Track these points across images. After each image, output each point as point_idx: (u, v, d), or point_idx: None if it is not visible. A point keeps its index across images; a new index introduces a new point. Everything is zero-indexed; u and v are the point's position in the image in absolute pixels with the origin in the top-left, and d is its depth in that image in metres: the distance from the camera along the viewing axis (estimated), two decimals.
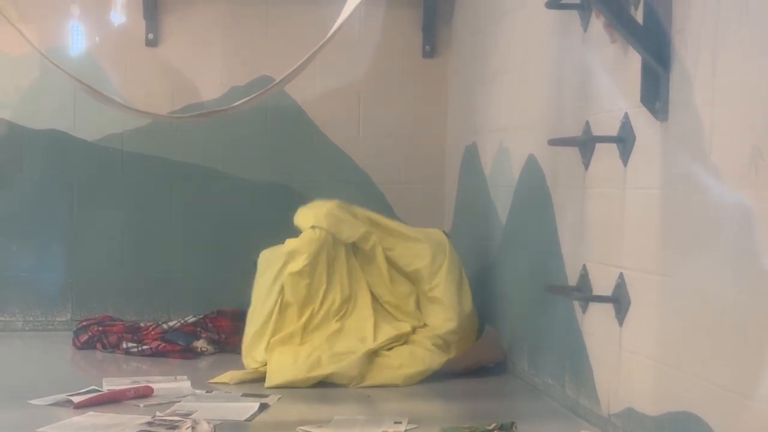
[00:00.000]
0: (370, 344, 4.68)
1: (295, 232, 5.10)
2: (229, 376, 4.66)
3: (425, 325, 4.86)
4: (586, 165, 3.96)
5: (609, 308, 3.70)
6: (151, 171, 6.10)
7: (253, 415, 3.99)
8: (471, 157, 5.67)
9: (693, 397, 3.08)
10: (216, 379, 4.63)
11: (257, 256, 6.00)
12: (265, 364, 4.70)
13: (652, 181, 3.40)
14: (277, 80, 4.57)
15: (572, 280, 4.06)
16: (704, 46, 3.05)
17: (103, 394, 4.22)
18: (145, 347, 5.35)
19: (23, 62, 5.90)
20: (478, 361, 4.83)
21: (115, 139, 6.08)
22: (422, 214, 6.27)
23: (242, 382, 4.62)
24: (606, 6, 3.44)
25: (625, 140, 3.60)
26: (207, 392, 4.39)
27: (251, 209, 6.17)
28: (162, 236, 6.11)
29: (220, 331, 5.47)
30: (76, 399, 4.11)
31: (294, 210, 6.11)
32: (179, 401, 4.16)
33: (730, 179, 2.89)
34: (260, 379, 4.63)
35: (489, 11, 5.37)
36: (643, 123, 3.46)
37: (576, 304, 4.04)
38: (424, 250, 4.94)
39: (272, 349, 4.77)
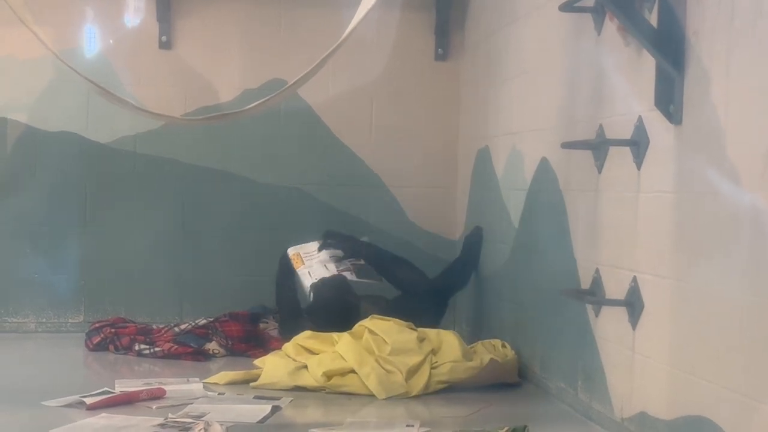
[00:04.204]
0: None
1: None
2: (220, 376, 4.67)
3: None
4: (600, 168, 3.95)
5: (622, 312, 3.69)
6: (163, 173, 6.11)
7: (266, 417, 3.99)
8: (483, 161, 5.66)
9: (707, 401, 3.07)
10: (209, 379, 4.64)
11: (267, 258, 6.00)
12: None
13: (666, 185, 3.39)
14: (291, 83, 4.56)
15: (585, 283, 4.05)
16: (719, 48, 3.04)
17: (115, 396, 4.22)
18: (157, 349, 5.36)
19: (36, 65, 5.91)
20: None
21: (128, 142, 6.09)
22: (434, 217, 6.27)
23: (232, 383, 4.61)
24: (620, 9, 3.43)
25: (638, 143, 3.59)
26: (219, 394, 4.39)
27: (263, 211, 6.17)
28: (174, 238, 6.12)
29: (228, 336, 5.46)
30: (89, 400, 4.11)
31: (306, 212, 6.15)
32: (191, 403, 4.16)
33: (745, 183, 2.88)
34: (250, 380, 4.63)
35: (502, 14, 5.36)
36: (657, 126, 3.45)
37: (589, 307, 4.03)
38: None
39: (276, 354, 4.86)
